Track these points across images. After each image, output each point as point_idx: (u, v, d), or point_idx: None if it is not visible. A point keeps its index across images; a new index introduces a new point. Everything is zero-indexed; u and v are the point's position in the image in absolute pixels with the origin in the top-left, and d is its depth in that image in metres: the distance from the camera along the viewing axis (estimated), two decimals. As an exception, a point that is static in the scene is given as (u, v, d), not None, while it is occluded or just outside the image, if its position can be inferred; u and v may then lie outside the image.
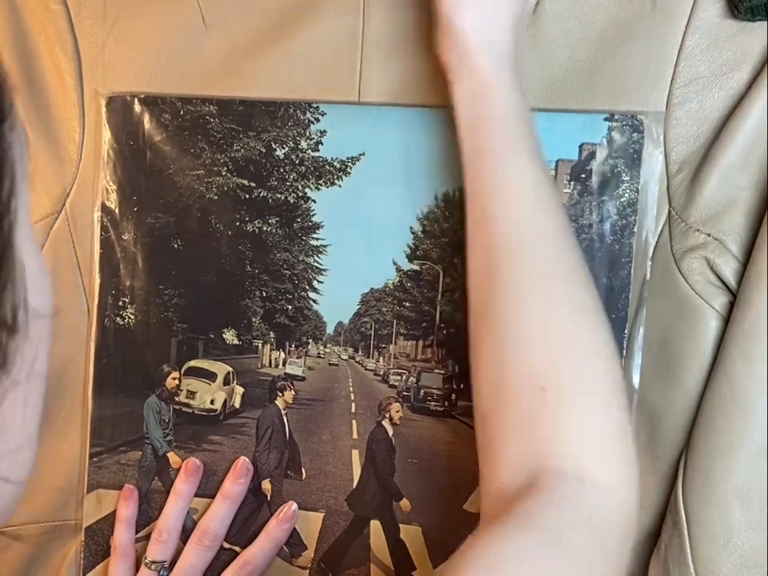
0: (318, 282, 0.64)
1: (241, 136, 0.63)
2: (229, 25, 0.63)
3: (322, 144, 0.63)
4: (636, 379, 0.59)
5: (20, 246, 0.33)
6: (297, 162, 0.63)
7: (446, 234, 0.62)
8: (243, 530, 0.64)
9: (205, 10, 0.63)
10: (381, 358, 0.66)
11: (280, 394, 0.65)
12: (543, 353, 0.47)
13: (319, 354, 0.66)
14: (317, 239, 0.64)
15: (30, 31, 0.63)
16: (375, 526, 0.63)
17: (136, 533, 0.65)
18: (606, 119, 0.59)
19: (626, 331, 0.58)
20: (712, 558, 0.55)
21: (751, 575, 0.55)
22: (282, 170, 0.63)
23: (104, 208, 0.65)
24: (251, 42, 0.62)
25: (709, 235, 0.57)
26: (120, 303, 0.65)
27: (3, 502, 0.35)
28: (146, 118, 0.64)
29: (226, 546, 0.64)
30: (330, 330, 0.65)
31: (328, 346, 0.66)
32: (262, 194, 0.64)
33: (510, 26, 0.52)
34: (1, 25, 0.63)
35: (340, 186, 0.63)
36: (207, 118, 0.63)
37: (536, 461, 0.45)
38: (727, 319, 0.56)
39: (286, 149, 0.63)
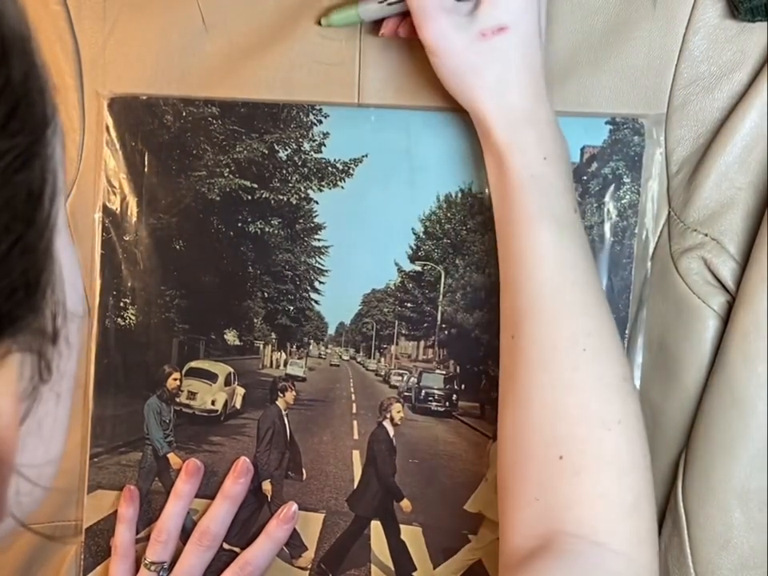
0: (320, 282, 0.65)
1: (243, 137, 0.64)
2: (229, 25, 0.63)
3: (324, 146, 0.63)
4: (637, 378, 0.59)
5: (59, 249, 0.33)
6: (299, 163, 0.63)
7: (447, 235, 0.63)
8: (243, 530, 0.64)
9: (205, 11, 0.63)
10: (382, 359, 0.66)
11: (281, 395, 0.65)
12: (561, 422, 0.47)
13: (320, 354, 0.66)
14: (319, 240, 0.64)
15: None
16: (376, 526, 0.63)
17: (136, 533, 0.65)
18: (607, 122, 0.59)
19: (626, 331, 0.59)
20: (712, 558, 0.55)
21: (751, 575, 0.55)
22: (284, 172, 0.64)
23: (105, 209, 0.65)
24: (251, 43, 0.63)
25: (706, 235, 0.57)
26: (121, 304, 0.65)
27: (30, 502, 0.35)
28: (148, 120, 0.64)
29: (226, 546, 0.64)
30: (331, 330, 0.66)
31: (329, 346, 0.66)
32: (264, 196, 0.64)
33: (526, 82, 0.52)
34: None
35: (342, 187, 0.63)
36: (209, 119, 0.64)
37: (552, 524, 0.46)
38: (725, 319, 0.56)
39: (289, 150, 0.64)
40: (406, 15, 0.56)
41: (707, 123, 0.58)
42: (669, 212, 0.59)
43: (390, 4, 0.56)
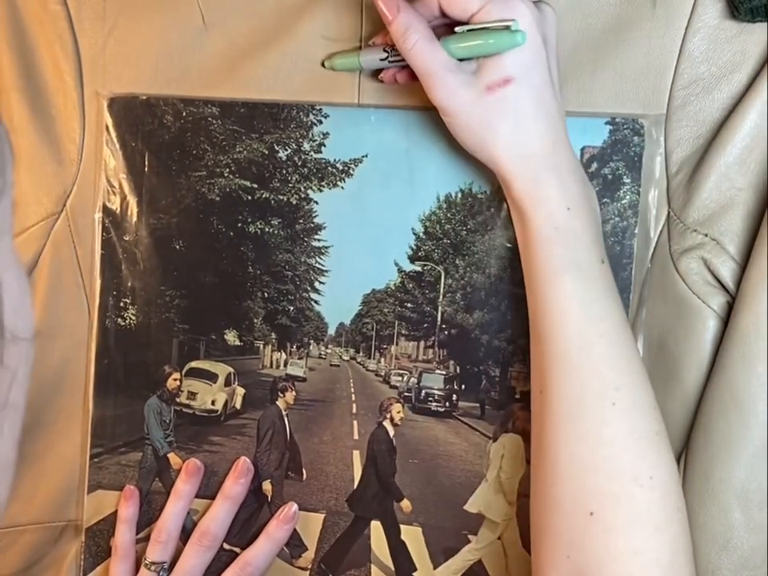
0: (320, 283, 0.64)
1: (243, 137, 0.64)
2: (229, 25, 0.63)
3: (324, 146, 0.63)
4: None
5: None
6: (299, 163, 0.63)
7: (447, 236, 0.63)
8: (243, 530, 0.64)
9: (205, 10, 0.63)
10: (382, 359, 0.66)
11: (281, 395, 0.65)
12: (591, 477, 0.47)
13: (320, 354, 0.66)
14: (319, 240, 0.64)
15: (29, 31, 0.63)
16: (376, 526, 0.63)
17: (136, 533, 0.65)
18: (607, 122, 0.59)
19: None
20: (712, 558, 0.55)
21: (751, 575, 0.55)
22: (284, 172, 0.64)
23: (105, 209, 0.65)
24: (251, 43, 0.63)
25: (706, 235, 0.57)
26: (121, 304, 0.65)
27: None
28: (148, 120, 0.64)
29: (227, 547, 0.64)
30: (331, 330, 0.65)
31: (329, 346, 0.66)
32: (264, 196, 0.64)
33: (543, 130, 0.51)
34: (1, 25, 0.63)
35: (342, 187, 0.63)
36: (209, 119, 0.64)
37: None
38: (725, 319, 0.56)
39: (289, 150, 0.63)
40: (404, 67, 0.57)
41: (707, 124, 0.58)
42: (668, 212, 0.59)
43: (391, 61, 0.57)
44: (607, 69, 0.59)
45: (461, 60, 0.52)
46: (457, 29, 0.51)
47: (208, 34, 0.63)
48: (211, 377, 0.66)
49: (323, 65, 0.61)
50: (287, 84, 0.63)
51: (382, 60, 0.57)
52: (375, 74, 0.60)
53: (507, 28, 0.49)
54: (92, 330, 0.66)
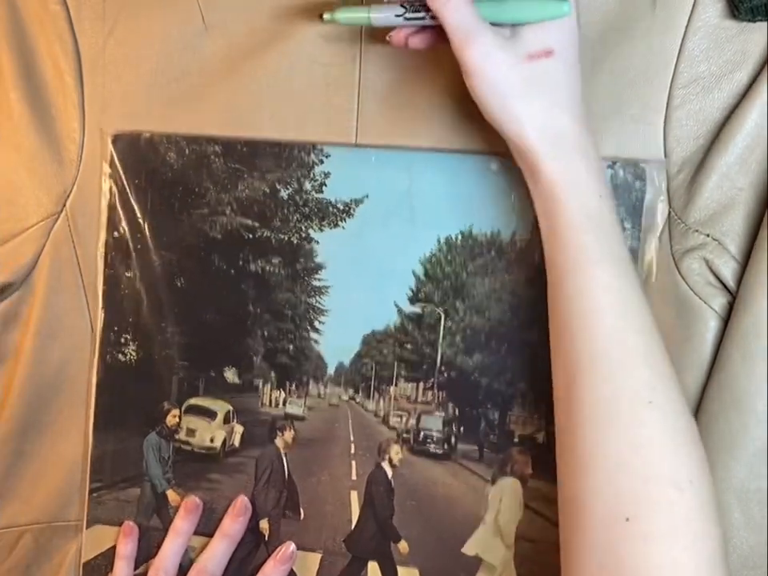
0: (320, 322, 0.65)
1: (245, 176, 0.64)
2: (229, 25, 0.63)
3: (325, 186, 0.63)
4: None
5: None
6: (300, 203, 0.63)
7: (447, 278, 0.63)
8: (240, 569, 0.64)
9: (205, 11, 0.63)
10: (381, 400, 0.66)
11: (280, 434, 0.65)
12: (627, 481, 0.44)
13: (320, 394, 0.66)
14: (319, 280, 0.64)
15: (29, 31, 0.63)
16: (373, 567, 0.63)
17: (134, 570, 0.65)
18: (608, 167, 0.59)
19: None
20: None
21: (750, 575, 0.55)
22: (285, 211, 0.64)
23: (107, 244, 0.65)
24: (251, 43, 0.63)
25: (708, 236, 0.57)
26: (122, 340, 0.66)
27: None
28: (151, 157, 0.64)
29: (223, 585, 0.64)
30: (330, 370, 0.65)
31: (328, 386, 0.66)
32: (265, 234, 0.64)
33: (575, 110, 0.49)
34: (1, 25, 0.63)
35: (343, 227, 0.63)
36: (212, 157, 0.64)
37: None
38: (726, 320, 0.56)
39: (290, 190, 0.64)
40: (421, 28, 0.53)
41: (707, 123, 0.58)
42: (670, 212, 0.58)
43: (407, 19, 0.51)
44: (606, 68, 0.59)
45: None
46: None
47: (208, 34, 0.63)
48: (210, 414, 0.66)
49: (321, 17, 0.54)
50: (287, 85, 0.62)
51: (397, 16, 0.51)
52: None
53: None
54: (93, 365, 0.66)
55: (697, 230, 0.57)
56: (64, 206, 0.65)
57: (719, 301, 0.56)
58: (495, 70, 0.48)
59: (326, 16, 0.54)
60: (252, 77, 0.63)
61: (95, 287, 0.65)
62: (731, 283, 0.56)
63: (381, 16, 0.52)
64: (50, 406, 0.66)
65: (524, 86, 0.48)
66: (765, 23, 0.56)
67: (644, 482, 0.43)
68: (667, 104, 0.58)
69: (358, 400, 0.66)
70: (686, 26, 0.57)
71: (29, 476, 0.67)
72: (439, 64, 0.59)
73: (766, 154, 0.56)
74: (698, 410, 0.56)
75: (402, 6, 0.51)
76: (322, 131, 0.62)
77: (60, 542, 0.67)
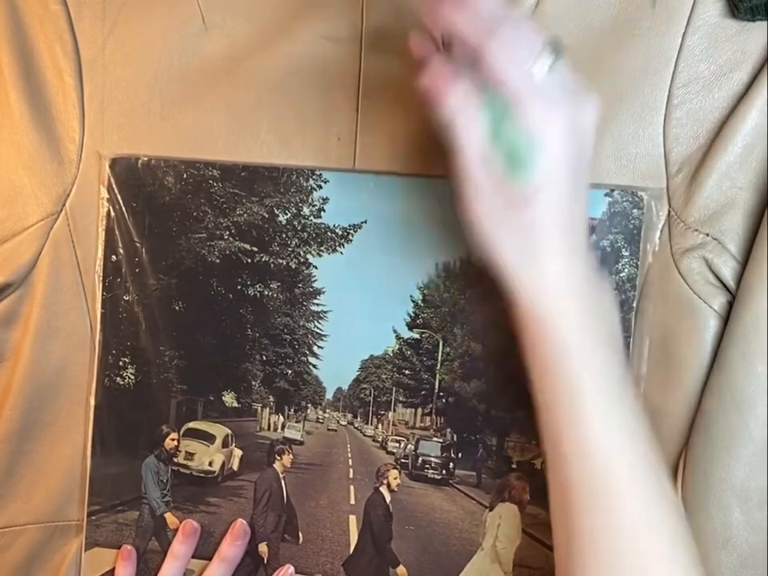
0: (318, 347, 0.65)
1: (243, 201, 0.64)
2: (229, 25, 0.63)
3: (324, 211, 0.63)
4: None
5: None
6: (299, 228, 0.64)
7: (446, 304, 0.63)
8: (239, 593, 0.65)
9: (205, 11, 0.63)
10: (379, 425, 0.66)
11: (278, 458, 0.65)
12: None
13: (318, 418, 0.66)
14: (317, 305, 0.64)
15: (30, 31, 0.63)
16: (372, 591, 0.63)
17: (132, 593, 0.65)
18: (606, 194, 0.59)
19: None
20: (711, 557, 0.55)
21: (750, 575, 0.55)
22: (284, 236, 0.64)
23: (105, 268, 0.65)
24: (251, 43, 0.63)
25: (708, 235, 0.57)
26: (120, 363, 0.66)
27: None
28: (149, 181, 0.64)
29: (222, 609, 0.64)
30: (329, 395, 0.66)
31: (327, 411, 0.66)
32: (263, 259, 0.64)
33: (562, 245, 0.45)
34: (1, 25, 0.62)
35: (341, 252, 0.63)
36: (210, 182, 0.64)
37: None
38: (726, 319, 0.56)
39: (289, 215, 0.64)
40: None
41: (707, 122, 0.58)
42: (669, 212, 0.58)
43: None
44: (606, 67, 0.59)
45: None
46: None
47: (208, 35, 0.63)
48: (209, 438, 0.66)
49: None
50: (287, 87, 0.62)
51: None
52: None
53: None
54: (91, 388, 0.66)
55: (696, 230, 0.57)
56: (63, 205, 0.64)
57: (719, 300, 0.57)
58: (481, 210, 0.46)
59: None
60: (252, 77, 0.63)
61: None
62: (731, 283, 0.56)
63: None
64: (50, 406, 0.66)
65: (504, 226, 0.46)
66: (764, 22, 0.56)
67: None
68: (667, 103, 0.58)
69: (356, 425, 0.66)
70: (686, 25, 0.57)
71: (29, 476, 0.67)
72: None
73: (766, 153, 0.56)
74: (698, 409, 0.56)
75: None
76: (321, 157, 0.62)
77: (60, 541, 0.67)
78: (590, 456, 0.45)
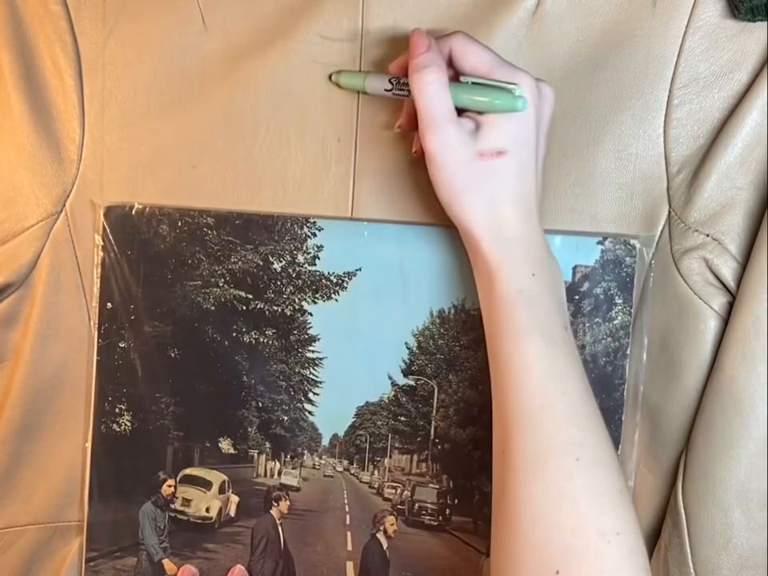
0: (314, 394, 0.65)
1: (238, 248, 0.64)
2: (229, 26, 0.63)
3: (318, 258, 0.63)
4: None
5: None
6: (294, 275, 0.64)
7: (440, 351, 0.63)
8: (238, 639, 0.65)
9: (205, 11, 0.63)
10: (376, 471, 0.66)
11: (275, 504, 0.65)
12: (555, 534, 0.45)
13: (314, 465, 0.66)
14: (313, 352, 0.64)
15: (30, 31, 0.63)
16: (370, 637, 0.64)
17: (130, 640, 0.65)
18: (598, 242, 0.59)
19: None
20: (712, 558, 0.55)
21: (751, 575, 0.55)
22: (278, 283, 0.64)
23: (101, 315, 0.65)
24: (251, 43, 0.63)
25: (708, 235, 0.57)
26: (116, 410, 0.66)
27: None
28: (144, 229, 0.64)
29: None
30: (325, 441, 0.66)
31: (323, 457, 0.66)
32: (258, 306, 0.64)
33: (519, 207, 0.52)
34: (1, 25, 0.62)
35: (336, 300, 0.63)
36: (205, 230, 0.64)
37: None
38: (726, 319, 0.56)
39: (283, 262, 0.64)
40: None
41: (707, 123, 0.58)
42: (669, 212, 0.59)
43: (395, 94, 0.57)
44: (606, 67, 0.59)
45: (458, 109, 0.52)
46: (462, 78, 0.52)
47: (208, 35, 0.63)
48: (205, 484, 0.66)
49: (330, 78, 0.61)
50: (287, 89, 0.63)
51: (386, 90, 0.57)
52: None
53: (510, 91, 0.50)
54: (88, 434, 0.66)
55: (697, 230, 0.58)
56: (64, 206, 0.64)
57: (719, 300, 0.57)
58: (449, 162, 0.52)
59: (333, 77, 0.62)
60: (251, 77, 0.63)
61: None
62: (731, 283, 0.56)
63: (373, 84, 0.58)
64: (50, 406, 0.66)
65: (473, 179, 0.52)
66: (765, 23, 0.56)
67: (572, 535, 0.45)
68: (667, 103, 0.58)
69: (352, 471, 0.67)
70: (686, 26, 0.58)
71: (29, 476, 0.67)
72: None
73: (766, 153, 0.56)
74: (698, 409, 0.57)
75: (390, 81, 0.57)
76: (320, 206, 0.63)
77: (60, 542, 0.67)
78: (524, 389, 0.49)
